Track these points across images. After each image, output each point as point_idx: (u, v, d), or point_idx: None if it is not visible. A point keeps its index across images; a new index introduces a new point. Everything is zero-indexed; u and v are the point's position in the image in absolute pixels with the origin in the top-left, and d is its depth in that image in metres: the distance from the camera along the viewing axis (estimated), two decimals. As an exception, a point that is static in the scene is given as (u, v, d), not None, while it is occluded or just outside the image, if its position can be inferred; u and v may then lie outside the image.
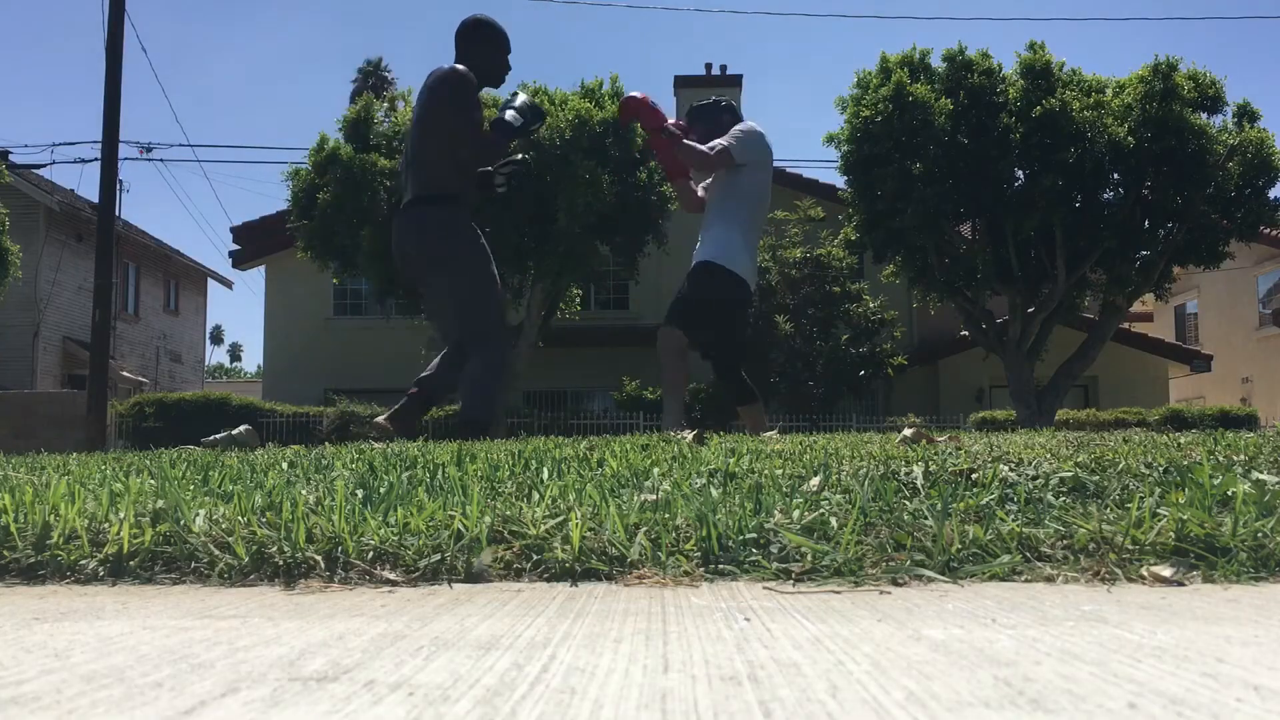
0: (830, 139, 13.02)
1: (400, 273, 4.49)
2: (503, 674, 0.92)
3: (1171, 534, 1.52)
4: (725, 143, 4.54)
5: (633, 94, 4.73)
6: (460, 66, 4.36)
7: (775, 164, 5.35)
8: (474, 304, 4.34)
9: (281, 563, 1.55)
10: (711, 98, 5.04)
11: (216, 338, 76.87)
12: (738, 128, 4.64)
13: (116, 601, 1.40)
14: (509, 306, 13.90)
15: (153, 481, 2.25)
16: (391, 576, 1.50)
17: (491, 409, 4.24)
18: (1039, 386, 13.23)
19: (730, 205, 4.61)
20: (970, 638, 1.05)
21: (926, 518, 1.62)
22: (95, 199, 14.61)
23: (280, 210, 16.81)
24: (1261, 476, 1.88)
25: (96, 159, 14.29)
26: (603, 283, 17.04)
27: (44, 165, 28.83)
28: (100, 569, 1.60)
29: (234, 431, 4.27)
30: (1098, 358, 13.93)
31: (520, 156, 4.67)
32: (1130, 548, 1.50)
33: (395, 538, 1.58)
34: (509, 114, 4.45)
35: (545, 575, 1.50)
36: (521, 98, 4.53)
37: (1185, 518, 1.55)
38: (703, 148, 4.52)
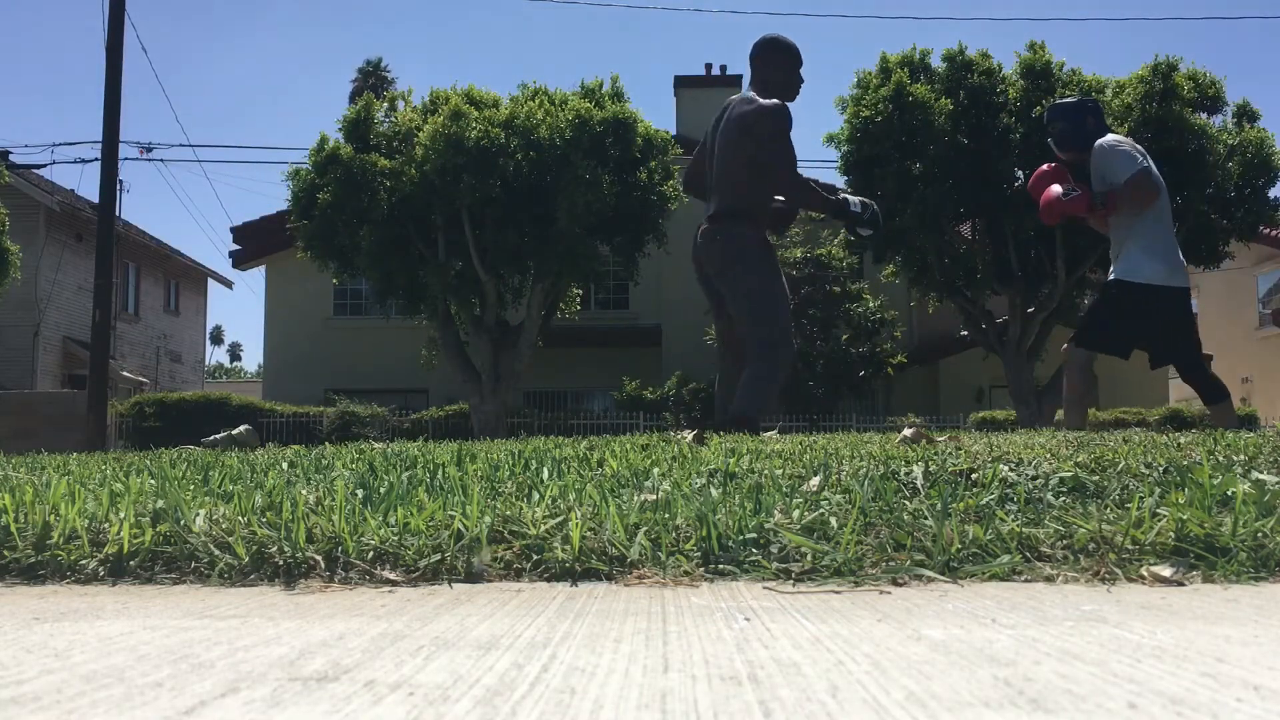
0: (830, 139, 13.02)
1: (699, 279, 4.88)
2: (503, 674, 0.92)
3: (1171, 534, 1.52)
4: (1138, 171, 4.57)
5: (1047, 203, 4.74)
6: (778, 102, 4.56)
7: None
8: (743, 304, 4.72)
9: (281, 563, 1.55)
10: (1077, 96, 5.00)
11: (216, 338, 76.92)
12: (1119, 149, 4.69)
13: (116, 601, 1.40)
14: (508, 306, 13.92)
15: (153, 481, 2.25)
16: (391, 576, 1.50)
17: (761, 408, 4.64)
18: (1039, 386, 13.23)
19: (1126, 219, 4.69)
20: (970, 638, 1.05)
21: (926, 518, 1.62)
22: (95, 199, 14.62)
23: (280, 210, 16.80)
24: (1261, 476, 1.88)
25: (96, 159, 14.30)
26: (603, 283, 17.01)
27: (44, 165, 28.84)
28: (100, 569, 1.60)
29: (234, 431, 4.28)
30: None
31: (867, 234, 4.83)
32: (1130, 548, 1.50)
33: (395, 538, 1.58)
34: (854, 201, 4.69)
35: (545, 575, 1.50)
36: (873, 208, 4.73)
37: (1185, 518, 1.55)
38: (1134, 193, 4.58)
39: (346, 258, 13.22)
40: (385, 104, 13.92)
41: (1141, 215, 4.63)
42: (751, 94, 4.64)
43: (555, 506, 1.73)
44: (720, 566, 1.50)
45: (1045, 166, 4.90)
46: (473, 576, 1.49)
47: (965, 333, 15.26)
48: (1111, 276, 4.73)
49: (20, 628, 1.21)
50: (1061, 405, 5.11)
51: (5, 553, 1.65)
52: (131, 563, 1.60)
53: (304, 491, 1.93)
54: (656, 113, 72.44)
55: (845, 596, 1.33)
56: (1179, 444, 2.59)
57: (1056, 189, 4.76)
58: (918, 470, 2.07)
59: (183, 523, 1.68)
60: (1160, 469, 2.09)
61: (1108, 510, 1.70)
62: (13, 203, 16.76)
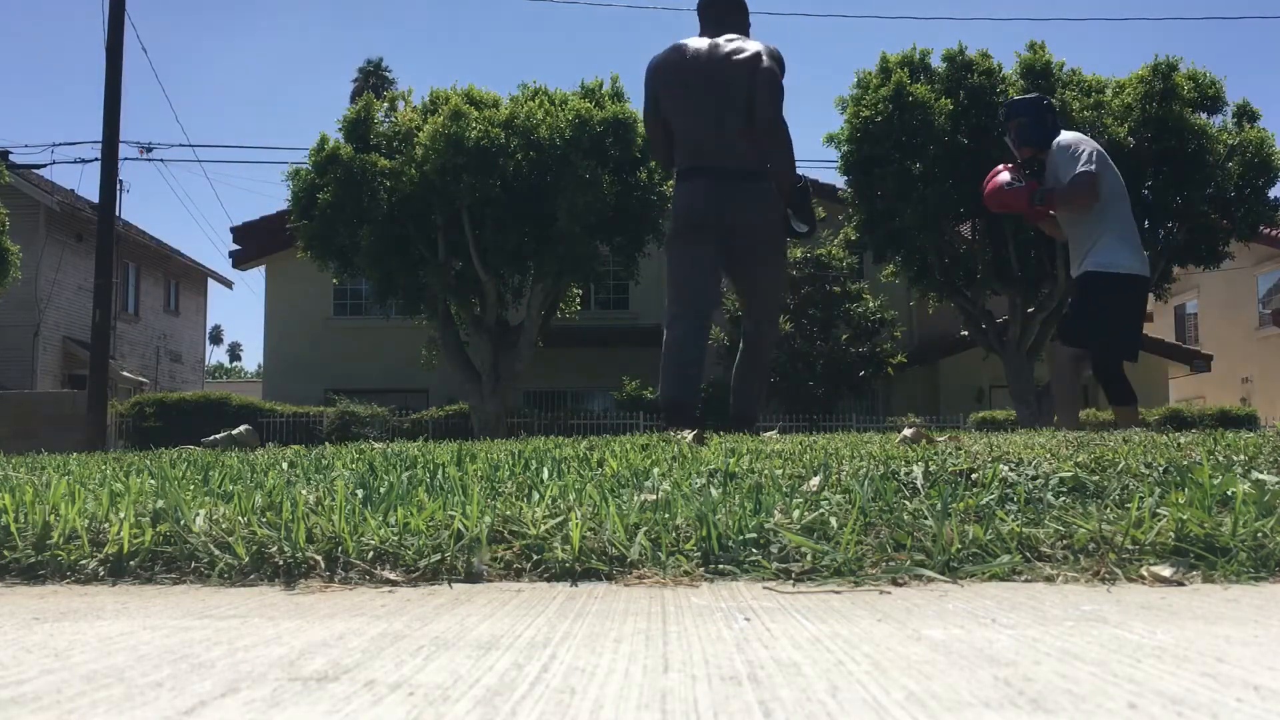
0: (830, 139, 13.01)
1: (705, 238, 4.24)
2: (503, 674, 0.92)
3: (1171, 534, 1.52)
4: (1082, 173, 4.66)
5: (991, 190, 4.78)
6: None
7: None
8: (781, 293, 4.49)
9: (281, 563, 1.55)
10: (1030, 93, 5.24)
11: (216, 338, 76.97)
12: (1078, 148, 4.77)
13: (116, 601, 1.40)
14: (508, 306, 13.91)
15: (153, 481, 2.25)
16: (391, 576, 1.50)
17: (759, 406, 4.47)
18: (1039, 386, 13.23)
19: (1094, 213, 4.76)
20: (970, 638, 1.05)
21: (926, 518, 1.62)
22: (95, 199, 14.62)
23: (280, 210, 16.81)
24: (1261, 476, 1.88)
25: (96, 159, 14.30)
26: (603, 283, 17.03)
27: (44, 165, 28.84)
28: (100, 569, 1.60)
29: (234, 431, 4.27)
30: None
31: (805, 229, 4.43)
32: (1130, 548, 1.50)
33: (395, 538, 1.58)
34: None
35: (545, 575, 1.50)
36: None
37: (1185, 518, 1.55)
38: (1075, 193, 4.67)
39: (346, 258, 13.22)
40: (385, 104, 13.93)
41: (1110, 203, 4.71)
42: (724, 36, 4.32)
43: (555, 506, 1.73)
44: (720, 566, 1.50)
45: (1000, 167, 4.98)
46: (473, 576, 1.49)
47: (965, 333, 15.26)
48: (1086, 269, 4.76)
49: (20, 628, 1.21)
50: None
51: (5, 553, 1.65)
52: (131, 563, 1.60)
53: (304, 491, 1.93)
54: (656, 113, 72.10)
55: (845, 596, 1.33)
56: (1179, 444, 2.59)
57: (1004, 177, 4.84)
58: (918, 470, 2.07)
59: (183, 523, 1.68)
60: (1160, 469, 2.09)
61: (1108, 510, 1.70)
62: (13, 203, 16.76)
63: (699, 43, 4.39)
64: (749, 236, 4.26)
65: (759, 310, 4.44)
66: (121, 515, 1.70)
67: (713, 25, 4.48)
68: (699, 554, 1.53)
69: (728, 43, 4.31)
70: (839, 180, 14.22)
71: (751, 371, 4.41)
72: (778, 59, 4.27)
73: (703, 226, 4.25)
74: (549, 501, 1.77)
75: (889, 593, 1.36)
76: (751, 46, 4.28)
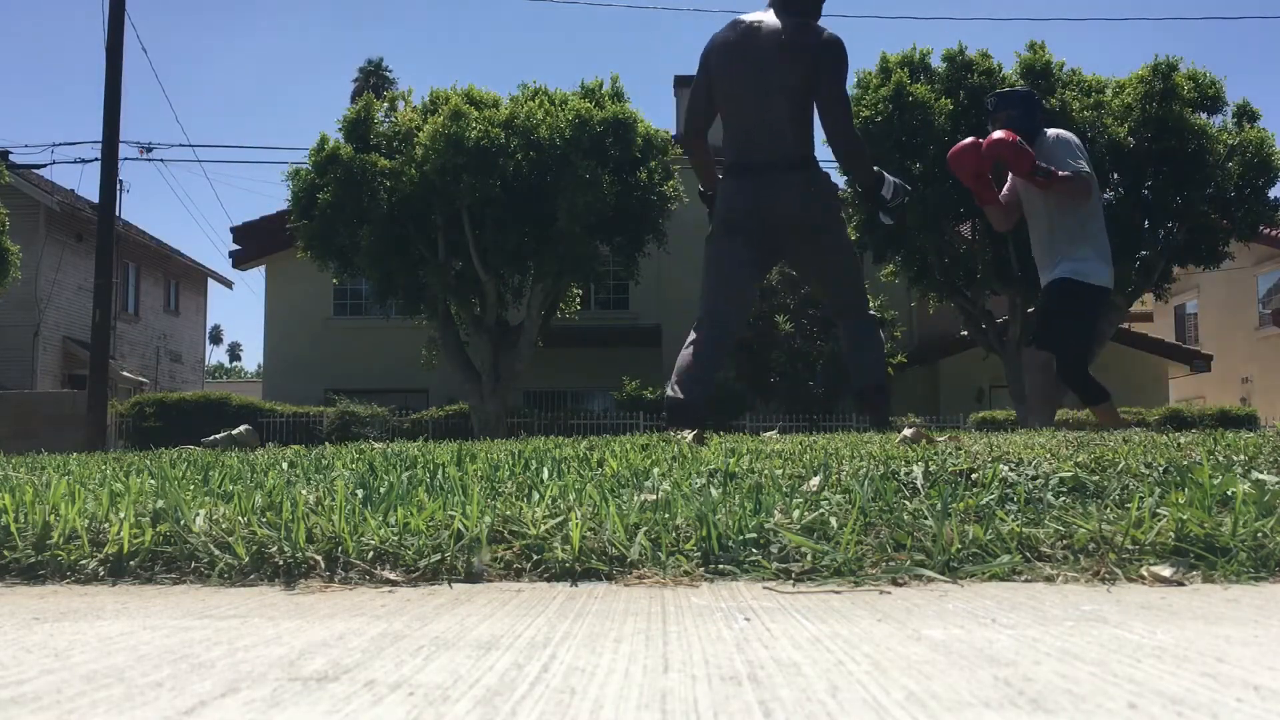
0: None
1: (758, 236, 4.12)
2: (503, 674, 0.92)
3: (1171, 534, 1.52)
4: (1080, 169, 4.71)
5: (999, 138, 4.62)
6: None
7: None
8: (854, 276, 4.40)
9: (281, 563, 1.55)
10: (1019, 86, 5.19)
11: (216, 338, 77.00)
12: (1073, 142, 4.84)
13: (116, 601, 1.40)
14: (508, 306, 13.91)
15: (153, 481, 2.25)
16: (391, 576, 1.50)
17: (884, 373, 4.40)
18: (1039, 386, 13.22)
19: (1078, 220, 4.80)
20: (970, 638, 1.05)
21: (926, 518, 1.62)
22: (95, 199, 14.63)
23: (280, 210, 16.82)
24: (1261, 476, 1.88)
25: (96, 159, 14.31)
26: (603, 283, 17.03)
27: (44, 165, 28.86)
28: (100, 569, 1.60)
29: (234, 431, 4.27)
30: (1097, 357, 13.94)
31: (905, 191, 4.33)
32: (1130, 548, 1.50)
33: (395, 538, 1.58)
34: (890, 182, 4.32)
35: (545, 575, 1.50)
36: (904, 195, 4.37)
37: (1185, 518, 1.55)
38: (1074, 187, 4.69)
39: (346, 258, 13.23)
40: (385, 104, 13.93)
41: (1092, 214, 4.77)
42: (788, 15, 4.05)
43: (555, 506, 1.73)
44: (720, 566, 1.50)
45: (971, 139, 4.85)
46: (473, 576, 1.49)
47: (965, 333, 15.26)
48: (1061, 275, 4.76)
49: (20, 628, 1.21)
50: (1064, 405, 5.17)
51: (5, 553, 1.65)
52: (131, 563, 1.60)
53: (304, 491, 1.93)
54: (656, 113, 72.62)
55: (845, 596, 1.33)
56: (1179, 444, 2.59)
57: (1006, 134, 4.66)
58: (918, 470, 2.07)
59: (183, 523, 1.68)
60: (1160, 469, 2.09)
61: (1108, 510, 1.70)
62: (13, 203, 16.76)
63: (758, 20, 4.14)
64: (799, 230, 4.13)
65: (837, 299, 4.31)
66: (121, 515, 1.70)
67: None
68: (699, 554, 1.53)
69: (791, 29, 4.05)
70: (839, 180, 14.22)
71: (862, 341, 4.24)
72: (842, 56, 4.06)
73: (742, 229, 4.13)
74: (549, 501, 1.77)
75: (889, 593, 1.36)
76: (815, 38, 4.04)
